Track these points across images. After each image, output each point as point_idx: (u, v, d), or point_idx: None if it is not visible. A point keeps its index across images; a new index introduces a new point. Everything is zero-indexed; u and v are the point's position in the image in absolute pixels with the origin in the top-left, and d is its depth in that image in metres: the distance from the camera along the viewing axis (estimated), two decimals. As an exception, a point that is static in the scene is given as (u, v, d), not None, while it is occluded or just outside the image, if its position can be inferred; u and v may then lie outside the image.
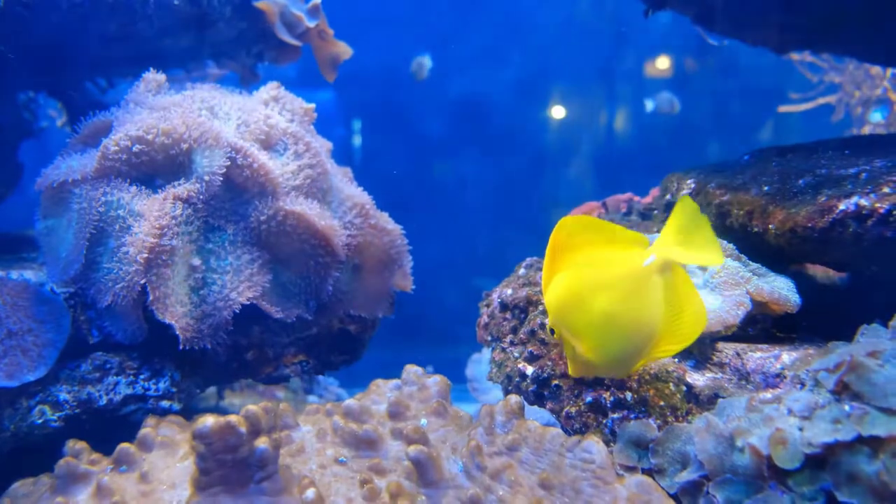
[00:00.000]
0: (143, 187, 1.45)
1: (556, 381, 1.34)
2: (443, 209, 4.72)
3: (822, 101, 3.77)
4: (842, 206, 1.22)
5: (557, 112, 5.04)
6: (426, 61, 4.14)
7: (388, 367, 1.48)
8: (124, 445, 1.22)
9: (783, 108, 3.89)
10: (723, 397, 1.15)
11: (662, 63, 4.91)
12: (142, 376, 1.45)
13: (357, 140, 4.93)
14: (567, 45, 4.98)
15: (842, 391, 1.00)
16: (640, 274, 1.01)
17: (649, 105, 4.28)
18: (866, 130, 3.73)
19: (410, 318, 2.16)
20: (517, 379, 1.43)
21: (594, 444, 1.17)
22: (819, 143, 1.63)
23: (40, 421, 1.35)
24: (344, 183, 1.74)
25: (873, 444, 0.92)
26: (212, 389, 2.28)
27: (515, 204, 4.88)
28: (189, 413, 1.46)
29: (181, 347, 1.40)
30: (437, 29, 4.89)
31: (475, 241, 4.77)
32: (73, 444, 1.25)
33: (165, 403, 1.45)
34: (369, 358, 1.90)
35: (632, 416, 1.22)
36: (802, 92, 3.89)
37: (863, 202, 1.20)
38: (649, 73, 4.96)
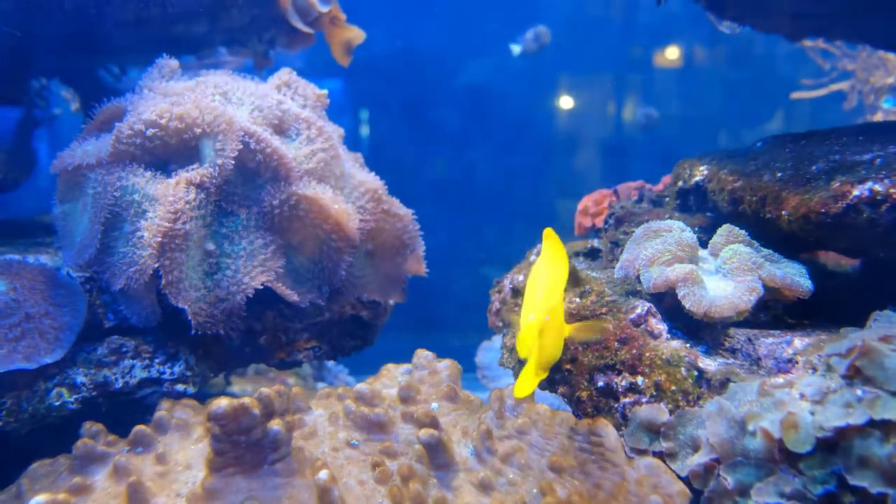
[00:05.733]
0: (158, 172, 1.46)
1: (567, 366, 1.34)
2: (451, 198, 4.72)
3: (834, 87, 3.73)
4: (856, 192, 1.21)
5: (567, 101, 5.03)
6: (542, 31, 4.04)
7: (396, 355, 1.49)
8: (140, 427, 1.23)
9: (795, 95, 3.86)
10: (734, 382, 1.15)
11: (672, 53, 4.88)
12: (157, 360, 1.47)
13: (365, 129, 4.93)
14: (577, 35, 4.96)
15: (854, 376, 1.00)
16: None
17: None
18: (879, 118, 3.70)
19: (419, 306, 2.17)
20: (528, 364, 1.43)
21: (603, 428, 1.17)
22: (833, 130, 1.62)
23: (58, 403, 1.37)
24: (356, 168, 1.75)
25: (885, 428, 0.92)
26: (223, 375, 2.30)
27: (524, 193, 4.87)
28: (202, 398, 1.48)
29: (193, 332, 1.42)
30: (446, 18, 4.87)
31: (484, 231, 4.78)
32: (90, 426, 1.27)
33: (180, 387, 1.47)
34: (378, 346, 1.91)
35: (643, 400, 1.23)
36: (814, 80, 3.86)
37: (877, 188, 1.19)
38: (659, 63, 4.94)
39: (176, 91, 1.55)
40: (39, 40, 1.81)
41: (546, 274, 1.23)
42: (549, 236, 1.31)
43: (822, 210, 1.25)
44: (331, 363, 3.02)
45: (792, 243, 1.38)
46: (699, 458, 1.07)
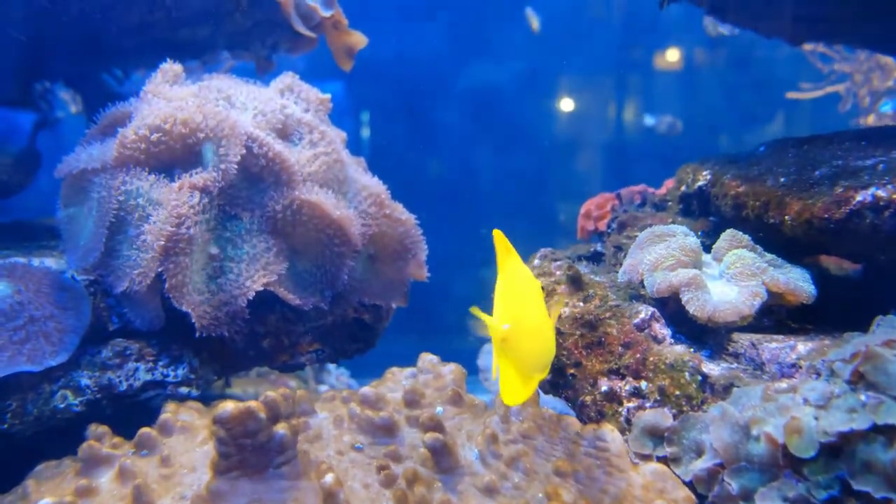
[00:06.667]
0: (163, 176, 1.47)
1: (571, 371, 1.34)
2: (453, 201, 4.72)
3: (830, 89, 3.75)
4: (859, 197, 1.22)
5: (568, 104, 5.03)
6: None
7: (398, 358, 1.49)
8: (145, 430, 1.23)
9: (791, 95, 3.88)
10: (738, 387, 1.15)
11: (672, 55, 4.89)
12: (161, 363, 1.47)
13: (366, 132, 4.94)
14: (578, 37, 4.97)
15: (857, 381, 1.00)
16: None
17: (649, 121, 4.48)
18: (871, 120, 3.71)
19: (421, 309, 2.17)
20: (531, 368, 1.43)
21: (609, 432, 1.17)
22: (835, 134, 1.63)
23: (63, 405, 1.37)
24: (359, 173, 1.75)
25: (889, 433, 0.92)
26: (226, 378, 2.30)
27: (526, 196, 4.87)
28: (205, 400, 1.48)
29: (197, 335, 1.42)
30: (448, 21, 4.88)
31: (485, 234, 4.77)
32: (95, 428, 1.27)
33: (184, 390, 1.47)
34: (379, 349, 1.91)
35: (647, 404, 1.23)
36: (813, 83, 3.88)
37: (880, 193, 1.20)
38: (659, 66, 4.94)
39: (180, 96, 1.55)
40: (45, 45, 1.82)
41: (503, 280, 1.17)
42: (497, 237, 1.24)
43: (826, 215, 1.25)
44: (332, 366, 3.02)
45: (795, 248, 1.39)
46: (703, 463, 1.07)
